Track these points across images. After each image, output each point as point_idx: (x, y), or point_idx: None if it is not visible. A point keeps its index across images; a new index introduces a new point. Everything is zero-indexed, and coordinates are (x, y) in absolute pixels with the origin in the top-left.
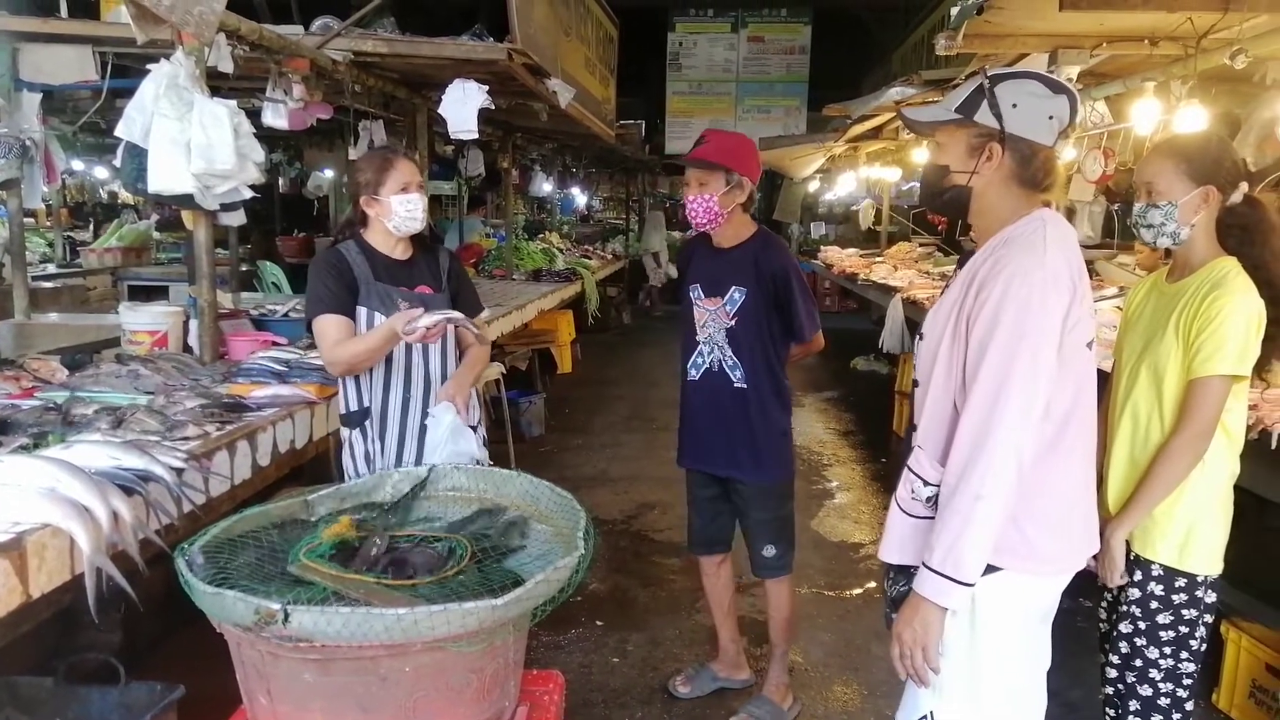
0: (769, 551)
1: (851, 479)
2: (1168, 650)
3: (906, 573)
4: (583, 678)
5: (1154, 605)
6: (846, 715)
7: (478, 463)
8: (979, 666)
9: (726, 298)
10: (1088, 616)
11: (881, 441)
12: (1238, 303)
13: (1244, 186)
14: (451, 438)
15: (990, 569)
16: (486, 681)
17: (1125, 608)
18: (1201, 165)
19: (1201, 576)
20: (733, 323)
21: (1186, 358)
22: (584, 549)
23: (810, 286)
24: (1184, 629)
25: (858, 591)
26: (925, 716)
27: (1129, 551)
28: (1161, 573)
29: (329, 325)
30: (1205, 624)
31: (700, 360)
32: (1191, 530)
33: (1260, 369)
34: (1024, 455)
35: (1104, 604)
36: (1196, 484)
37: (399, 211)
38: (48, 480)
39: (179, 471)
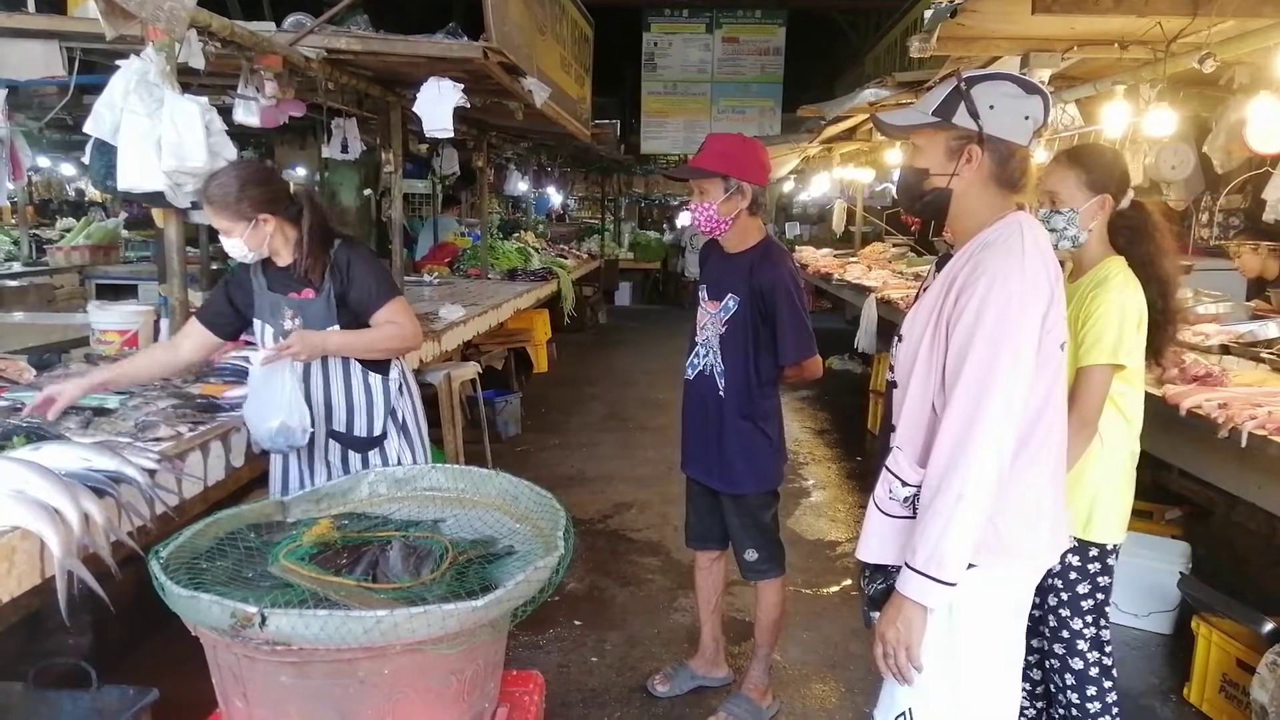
0: (750, 555)
1: (827, 477)
2: (1089, 619)
3: (884, 571)
4: (561, 678)
5: (1073, 576)
6: (825, 713)
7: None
8: (956, 662)
9: (723, 304)
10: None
11: (856, 440)
12: (1114, 299)
13: (1131, 193)
14: (256, 393)
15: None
16: (466, 683)
17: (1049, 581)
18: (1099, 175)
19: (1110, 545)
20: (724, 330)
21: (1075, 349)
22: (564, 549)
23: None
24: (1100, 596)
25: (834, 589)
26: (903, 713)
27: None
28: (1075, 544)
29: (186, 327)
30: (1110, 590)
31: (696, 361)
32: (1094, 504)
33: (1158, 356)
34: (1005, 456)
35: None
36: (1097, 462)
37: (225, 247)
38: (16, 482)
39: (151, 473)
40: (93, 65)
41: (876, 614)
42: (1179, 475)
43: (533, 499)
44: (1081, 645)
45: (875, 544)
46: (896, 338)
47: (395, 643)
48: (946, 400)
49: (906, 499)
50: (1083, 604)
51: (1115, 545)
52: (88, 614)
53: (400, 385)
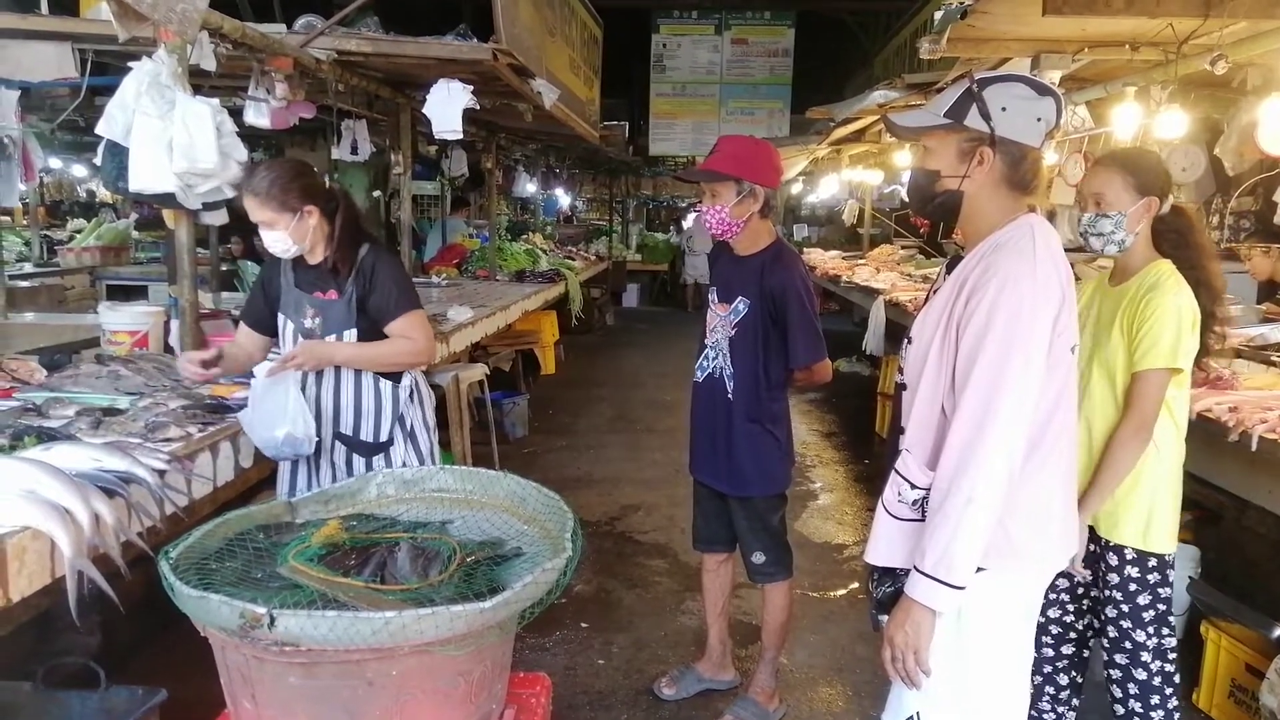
0: (758, 558)
1: (835, 480)
2: (1151, 630)
3: (892, 575)
4: (568, 680)
5: (1133, 588)
6: (831, 717)
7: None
8: (964, 665)
9: (733, 307)
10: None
11: (864, 443)
12: (1170, 302)
13: (1172, 197)
14: (258, 402)
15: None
16: (474, 684)
17: (1107, 593)
18: (1145, 178)
19: (1168, 555)
20: (734, 333)
21: (1130, 354)
22: (571, 550)
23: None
24: (1161, 606)
25: (842, 592)
26: (911, 717)
27: (1100, 539)
28: (1135, 555)
29: (238, 334)
30: (1171, 599)
31: (705, 364)
32: (1152, 512)
33: (1199, 359)
34: (1015, 459)
35: (1065, 593)
36: (1153, 468)
37: (266, 242)
38: (27, 482)
39: (161, 473)
40: (105, 67)
41: (884, 617)
42: (1188, 479)
43: (540, 500)
44: (1145, 656)
45: (884, 547)
46: (906, 340)
47: (403, 644)
48: (956, 403)
49: (915, 502)
50: (1144, 615)
51: (1172, 555)
52: (97, 614)
53: (411, 392)
